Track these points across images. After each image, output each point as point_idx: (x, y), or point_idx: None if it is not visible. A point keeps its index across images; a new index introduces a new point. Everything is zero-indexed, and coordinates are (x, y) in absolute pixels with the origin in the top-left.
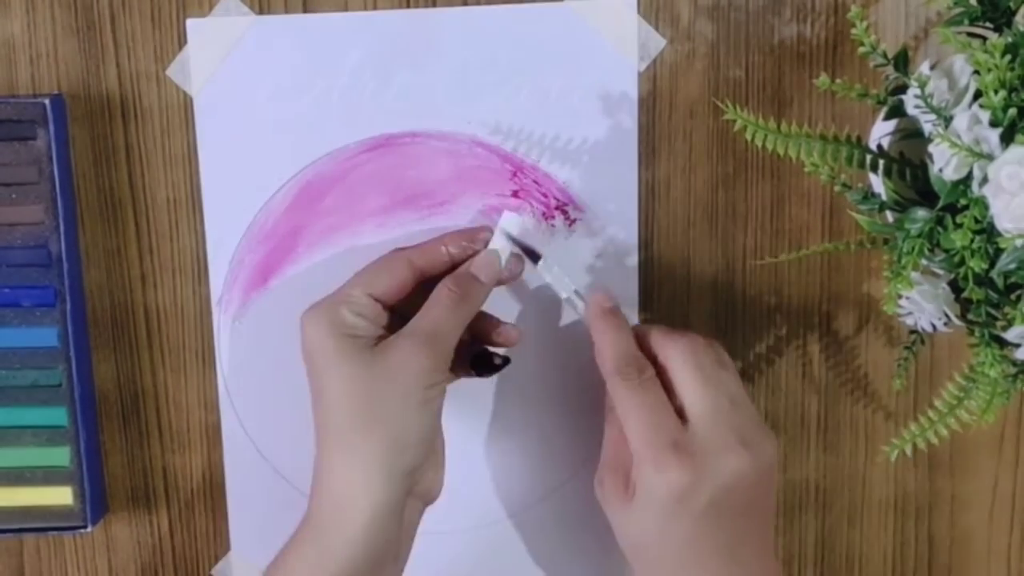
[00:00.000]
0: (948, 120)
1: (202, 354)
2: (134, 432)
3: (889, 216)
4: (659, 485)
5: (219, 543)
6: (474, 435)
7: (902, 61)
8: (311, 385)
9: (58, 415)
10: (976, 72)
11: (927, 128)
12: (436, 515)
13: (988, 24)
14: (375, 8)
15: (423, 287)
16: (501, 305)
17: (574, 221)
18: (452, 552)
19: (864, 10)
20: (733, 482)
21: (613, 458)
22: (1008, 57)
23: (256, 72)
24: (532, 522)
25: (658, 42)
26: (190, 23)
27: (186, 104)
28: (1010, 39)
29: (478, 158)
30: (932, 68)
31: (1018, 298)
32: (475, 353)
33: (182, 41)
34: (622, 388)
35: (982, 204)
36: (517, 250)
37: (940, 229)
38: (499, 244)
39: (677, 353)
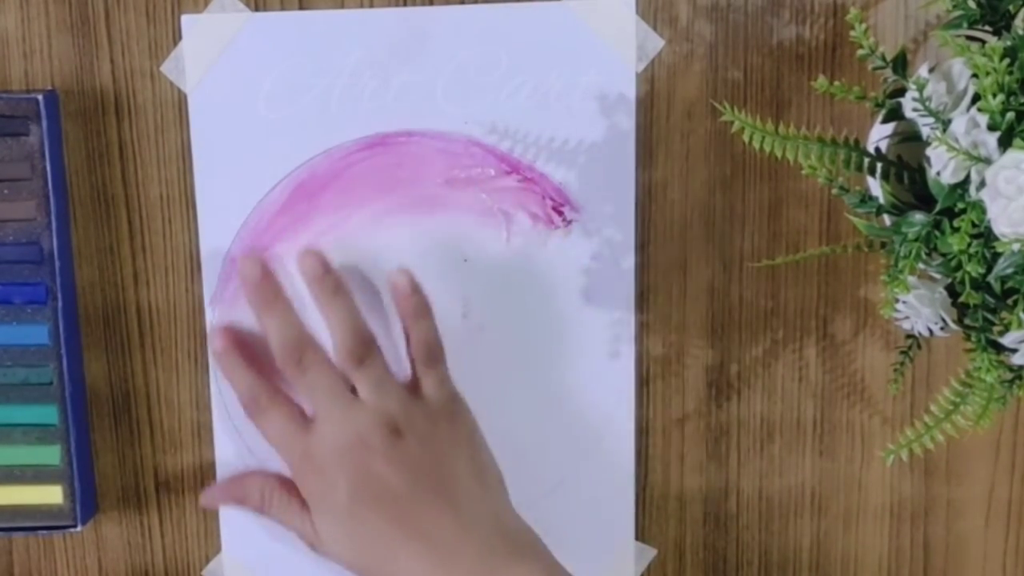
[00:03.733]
0: (946, 123)
1: (194, 353)
2: (125, 431)
3: (886, 219)
4: (308, 498)
5: (210, 543)
6: None
7: (901, 64)
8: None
9: (48, 413)
10: (975, 75)
11: (925, 131)
12: None
13: (987, 27)
14: (371, 6)
15: None
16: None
17: (570, 222)
18: None
19: (863, 12)
20: (359, 481)
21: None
22: (1007, 61)
23: (251, 69)
24: None
25: (656, 42)
26: (185, 19)
27: (180, 101)
28: (1009, 43)
29: (474, 158)
30: (931, 71)
31: (1015, 303)
32: None
33: (177, 37)
34: (253, 423)
35: (979, 208)
36: None
37: (937, 233)
38: None
39: None
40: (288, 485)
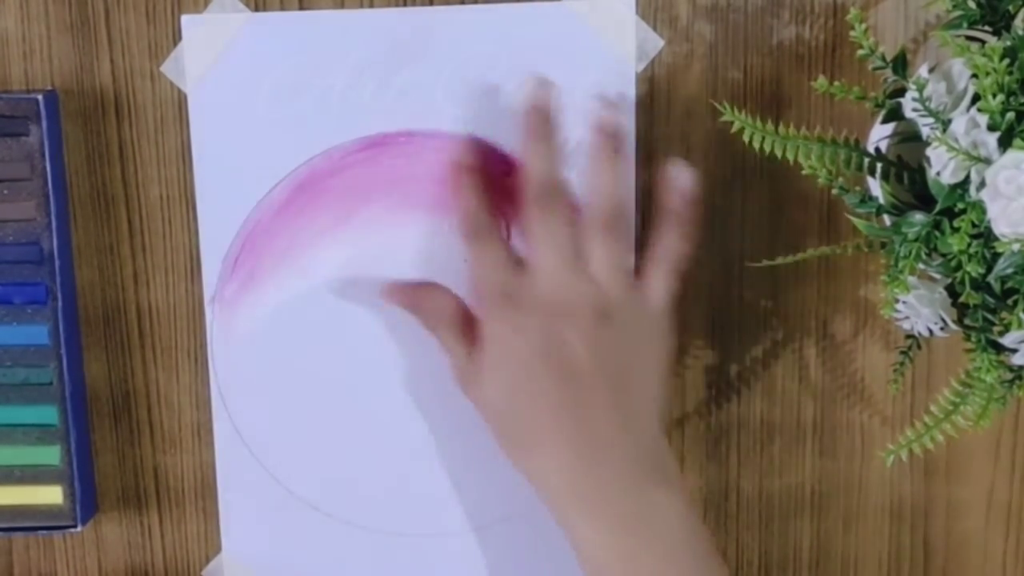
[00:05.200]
0: (946, 124)
1: (194, 353)
2: (125, 431)
3: (887, 220)
4: (488, 335)
5: (210, 543)
6: (467, 438)
7: (901, 64)
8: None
9: (48, 413)
10: (974, 76)
11: (925, 131)
12: (428, 518)
13: (987, 28)
14: (371, 6)
15: None
16: None
17: None
18: (446, 554)
19: (863, 12)
20: (549, 343)
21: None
22: (1007, 61)
23: (251, 70)
24: (523, 525)
25: (656, 43)
26: (185, 19)
27: (180, 101)
28: (1009, 43)
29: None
30: (931, 71)
31: (1015, 303)
32: None
33: (177, 38)
34: (467, 246)
35: (979, 208)
36: None
37: (937, 233)
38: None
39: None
40: (466, 313)
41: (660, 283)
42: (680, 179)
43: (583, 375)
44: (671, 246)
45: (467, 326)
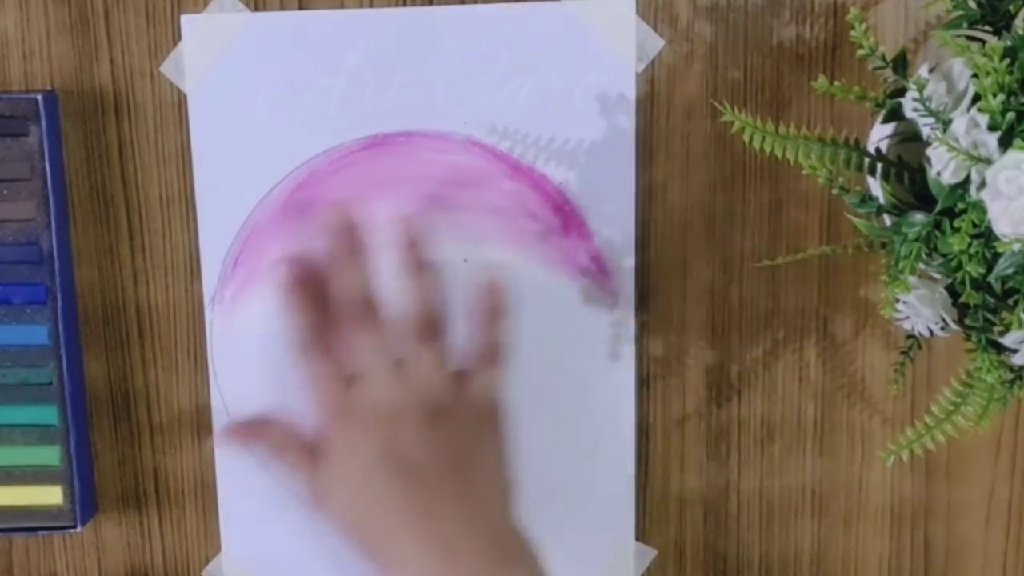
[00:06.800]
0: (946, 124)
1: (194, 353)
2: (125, 431)
3: (887, 220)
4: (331, 450)
5: (210, 543)
6: None
7: (901, 64)
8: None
9: (48, 414)
10: (975, 76)
11: (925, 131)
12: None
13: (987, 27)
14: (371, 6)
15: None
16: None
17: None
18: None
19: (863, 12)
20: (387, 447)
21: None
22: (1007, 61)
23: (251, 70)
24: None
25: (656, 43)
26: (185, 19)
27: (180, 101)
28: (1009, 43)
29: (474, 158)
30: (931, 71)
31: (1015, 303)
32: None
33: (176, 38)
34: (299, 365)
35: (980, 208)
36: None
37: (938, 233)
38: None
39: None
40: (303, 437)
41: (483, 375)
42: (487, 280)
43: (424, 471)
44: (487, 340)
45: (307, 447)
